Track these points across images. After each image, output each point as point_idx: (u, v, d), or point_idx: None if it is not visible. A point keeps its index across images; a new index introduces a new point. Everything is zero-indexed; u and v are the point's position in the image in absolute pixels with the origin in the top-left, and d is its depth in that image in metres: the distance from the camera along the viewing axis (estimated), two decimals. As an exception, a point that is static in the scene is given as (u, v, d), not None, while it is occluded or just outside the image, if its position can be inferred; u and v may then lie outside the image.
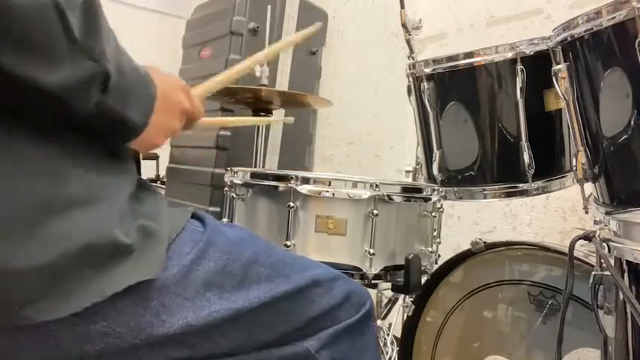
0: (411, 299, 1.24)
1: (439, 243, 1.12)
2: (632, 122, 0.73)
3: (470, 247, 1.13)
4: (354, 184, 0.96)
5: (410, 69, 1.24)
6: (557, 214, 1.55)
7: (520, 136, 1.10)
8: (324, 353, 0.66)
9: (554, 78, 0.84)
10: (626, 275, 0.65)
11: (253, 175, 1.04)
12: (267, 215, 1.01)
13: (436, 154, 1.20)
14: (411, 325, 1.23)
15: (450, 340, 1.20)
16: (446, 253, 1.17)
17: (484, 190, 1.16)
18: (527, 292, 1.06)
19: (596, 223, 0.82)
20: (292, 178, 0.96)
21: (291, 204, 0.95)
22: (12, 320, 0.48)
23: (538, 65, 1.06)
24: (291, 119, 1.28)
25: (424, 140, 1.25)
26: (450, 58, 1.15)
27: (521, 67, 1.07)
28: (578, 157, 0.85)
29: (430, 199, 1.06)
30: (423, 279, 1.10)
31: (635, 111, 0.72)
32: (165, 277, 0.55)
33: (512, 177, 1.13)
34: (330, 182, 0.97)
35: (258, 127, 1.68)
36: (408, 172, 1.47)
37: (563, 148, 1.15)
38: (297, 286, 0.65)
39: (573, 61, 0.81)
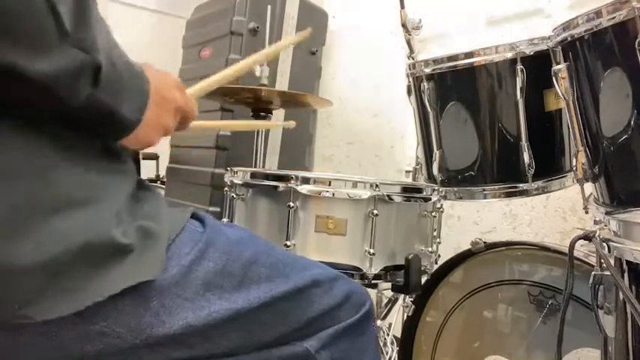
0: (411, 299, 1.24)
1: (439, 243, 1.12)
2: (632, 122, 0.73)
3: (470, 247, 1.13)
4: (354, 184, 0.96)
5: (410, 69, 1.24)
6: (557, 214, 1.55)
7: (520, 136, 1.10)
8: (324, 353, 0.66)
9: (554, 78, 0.84)
10: (626, 275, 0.65)
11: (253, 175, 1.04)
12: (267, 215, 1.01)
13: (436, 154, 1.20)
14: (411, 325, 1.23)
15: (450, 340, 1.20)
16: (446, 253, 1.17)
17: (484, 190, 1.16)
18: (527, 292, 1.06)
19: (596, 223, 0.82)
20: (292, 178, 0.96)
21: (291, 204, 0.95)
22: (13, 319, 0.47)
23: (538, 65, 1.06)
24: (292, 123, 1.24)
25: (424, 140, 1.25)
26: (450, 58, 1.15)
27: (521, 67, 1.07)
28: (578, 157, 0.85)
29: (430, 199, 1.06)
30: (423, 279, 1.10)
31: (635, 111, 0.72)
32: (165, 277, 0.55)
33: (512, 177, 1.13)
34: (330, 182, 0.97)
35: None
36: (408, 172, 1.47)
37: (563, 148, 1.15)
38: (297, 286, 0.65)
39: (573, 61, 0.81)
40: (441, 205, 1.12)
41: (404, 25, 1.34)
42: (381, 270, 0.97)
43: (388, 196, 0.97)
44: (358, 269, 0.95)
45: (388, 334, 1.44)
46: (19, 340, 0.50)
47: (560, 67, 0.83)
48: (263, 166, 1.76)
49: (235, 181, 1.05)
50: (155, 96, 0.58)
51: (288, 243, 0.95)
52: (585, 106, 0.81)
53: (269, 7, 1.77)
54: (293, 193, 0.95)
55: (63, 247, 0.48)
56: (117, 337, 0.52)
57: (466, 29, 1.81)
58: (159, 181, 2.45)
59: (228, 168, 1.10)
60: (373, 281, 0.97)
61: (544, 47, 1.03)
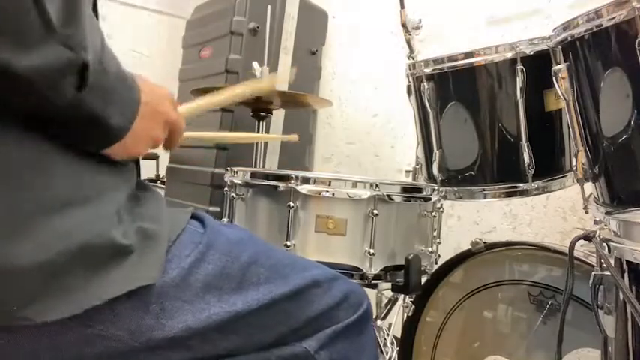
0: (411, 299, 1.24)
1: (439, 243, 1.12)
2: (632, 122, 0.73)
3: (470, 247, 1.13)
4: (354, 184, 0.96)
5: (410, 69, 1.24)
6: (557, 214, 1.55)
7: (520, 136, 1.10)
8: (323, 353, 0.66)
9: (554, 78, 0.84)
10: (626, 275, 0.65)
11: (253, 175, 1.04)
12: (267, 215, 1.01)
13: (436, 154, 1.20)
14: (411, 325, 1.23)
15: (450, 340, 1.20)
16: (446, 253, 1.17)
17: (484, 190, 1.16)
18: (527, 292, 1.06)
19: (596, 223, 0.82)
20: (292, 178, 0.96)
21: (291, 204, 0.95)
22: (12, 321, 0.47)
23: (538, 65, 1.06)
24: (295, 137, 1.18)
25: (424, 140, 1.25)
26: (450, 58, 1.15)
27: (521, 67, 1.07)
28: (578, 157, 0.85)
29: (430, 199, 1.06)
30: (423, 279, 1.10)
31: (635, 111, 0.72)
32: (165, 280, 0.55)
33: (512, 177, 1.13)
34: (330, 182, 0.97)
35: (259, 126, 1.68)
36: (408, 172, 1.47)
37: (563, 148, 1.15)
38: (296, 286, 0.65)
39: (573, 61, 0.81)
40: (441, 205, 1.12)
41: (404, 25, 1.34)
42: (381, 270, 0.97)
43: (388, 196, 0.97)
44: (358, 269, 0.95)
45: (388, 334, 1.44)
46: (17, 341, 0.50)
47: (560, 67, 0.83)
48: (263, 166, 1.76)
49: (235, 181, 1.05)
50: (146, 107, 0.57)
51: (288, 243, 0.95)
52: (585, 106, 0.81)
53: (269, 7, 1.77)
54: (293, 193, 0.95)
55: (63, 247, 0.48)
56: (116, 339, 0.52)
57: (466, 29, 1.81)
58: (159, 181, 2.45)
59: (228, 168, 1.10)
60: (373, 281, 0.97)
61: (544, 47, 1.03)
